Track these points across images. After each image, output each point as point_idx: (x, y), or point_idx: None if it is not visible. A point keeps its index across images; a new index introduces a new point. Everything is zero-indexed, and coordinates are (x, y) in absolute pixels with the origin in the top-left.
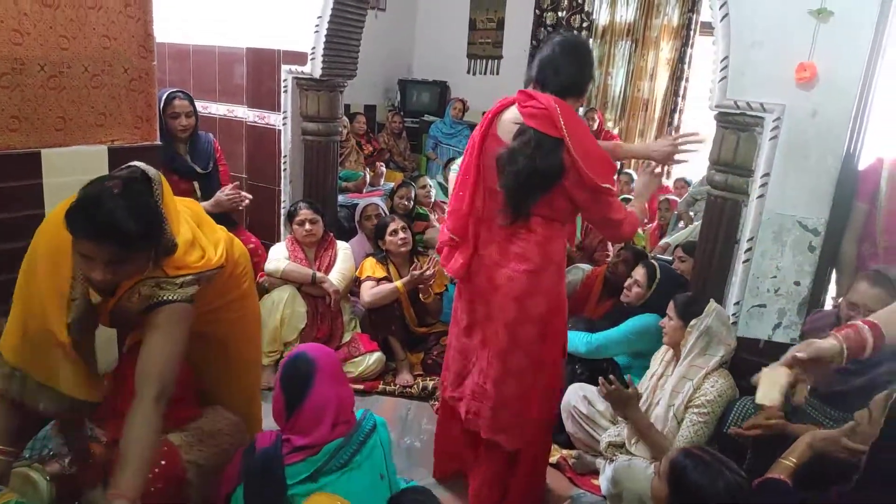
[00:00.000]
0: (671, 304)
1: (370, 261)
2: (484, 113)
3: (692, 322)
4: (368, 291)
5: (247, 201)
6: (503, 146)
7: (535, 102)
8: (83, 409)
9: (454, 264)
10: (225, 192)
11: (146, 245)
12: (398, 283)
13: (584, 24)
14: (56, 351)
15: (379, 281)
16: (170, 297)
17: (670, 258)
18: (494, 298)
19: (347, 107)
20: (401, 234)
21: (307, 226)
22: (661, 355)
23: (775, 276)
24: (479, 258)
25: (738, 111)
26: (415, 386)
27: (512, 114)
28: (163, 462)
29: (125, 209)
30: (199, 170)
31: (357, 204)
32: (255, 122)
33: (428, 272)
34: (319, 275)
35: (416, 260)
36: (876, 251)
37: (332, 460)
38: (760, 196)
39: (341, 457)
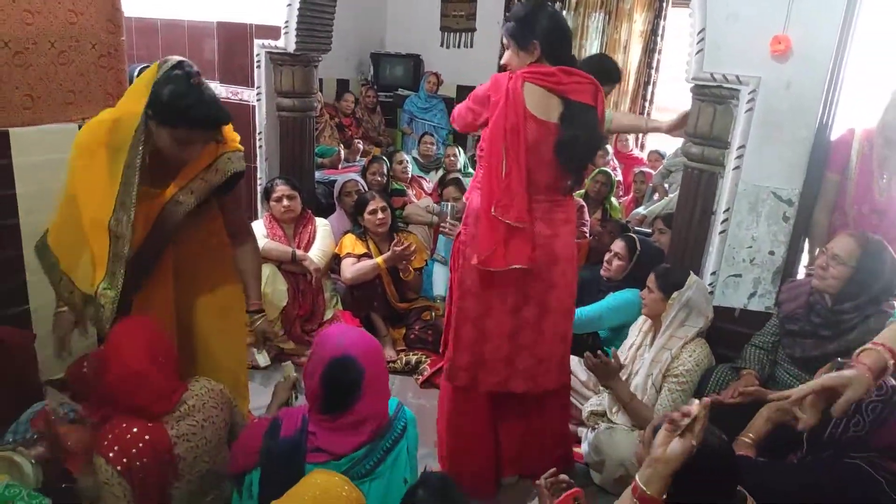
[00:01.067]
0: (651, 276)
1: (349, 237)
2: (473, 87)
3: (674, 295)
4: (350, 268)
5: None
6: (544, 123)
7: (577, 78)
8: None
9: (519, 255)
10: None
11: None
12: (378, 260)
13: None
14: (85, 249)
15: (359, 257)
16: (239, 168)
17: (648, 230)
18: (556, 268)
19: (320, 81)
20: (379, 215)
21: (285, 202)
22: (640, 326)
23: (751, 246)
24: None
25: (714, 83)
26: (398, 361)
27: (539, 90)
28: (147, 437)
29: (215, 99)
30: None
31: (333, 180)
32: (228, 97)
33: (409, 248)
34: (300, 252)
35: (395, 236)
36: (846, 221)
37: (353, 468)
38: (736, 168)
39: (364, 466)
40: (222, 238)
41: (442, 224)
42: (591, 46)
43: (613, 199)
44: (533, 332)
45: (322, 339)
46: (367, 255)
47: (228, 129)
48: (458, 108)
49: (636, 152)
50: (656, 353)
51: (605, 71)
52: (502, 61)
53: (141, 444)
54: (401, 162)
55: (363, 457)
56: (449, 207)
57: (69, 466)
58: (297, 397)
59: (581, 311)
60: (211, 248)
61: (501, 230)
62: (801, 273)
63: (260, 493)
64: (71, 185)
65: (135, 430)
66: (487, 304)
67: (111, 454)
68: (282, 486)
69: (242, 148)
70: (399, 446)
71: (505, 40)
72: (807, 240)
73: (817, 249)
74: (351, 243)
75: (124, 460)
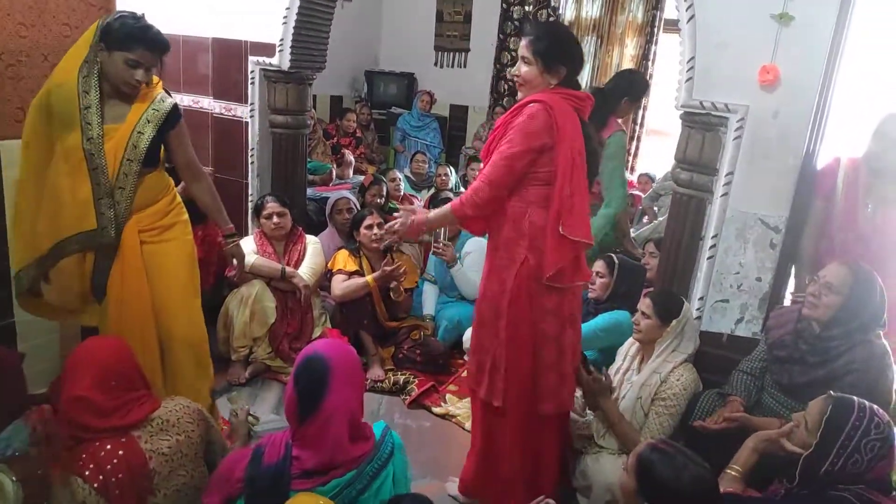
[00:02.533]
0: (647, 302)
1: (343, 253)
2: (501, 112)
3: (672, 323)
4: (339, 285)
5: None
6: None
7: (588, 102)
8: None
9: (584, 272)
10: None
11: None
12: (369, 278)
13: (551, 19)
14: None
15: (350, 274)
16: (171, 105)
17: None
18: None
19: (314, 98)
20: (375, 230)
21: (275, 219)
22: (626, 350)
23: (738, 272)
24: None
25: (703, 111)
26: (386, 380)
27: (569, 110)
28: (121, 453)
29: (159, 31)
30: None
31: (324, 197)
32: (222, 113)
33: (400, 268)
34: (289, 269)
35: (388, 255)
36: (833, 248)
37: (340, 494)
38: (724, 194)
39: (349, 494)
40: (177, 216)
41: (435, 244)
42: (583, 70)
43: None
44: (557, 350)
45: (302, 351)
46: (359, 273)
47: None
48: (500, 170)
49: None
50: (647, 376)
51: (636, 85)
52: (519, 72)
53: (116, 461)
54: (394, 180)
55: (348, 483)
56: (442, 229)
57: (52, 477)
58: (253, 429)
59: None
60: (167, 229)
61: (569, 248)
62: (788, 299)
63: None
64: (28, 165)
65: (108, 447)
66: (545, 319)
67: (87, 472)
68: None
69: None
70: (385, 472)
71: (526, 55)
72: (793, 266)
73: (807, 277)
74: (343, 259)
75: (100, 477)
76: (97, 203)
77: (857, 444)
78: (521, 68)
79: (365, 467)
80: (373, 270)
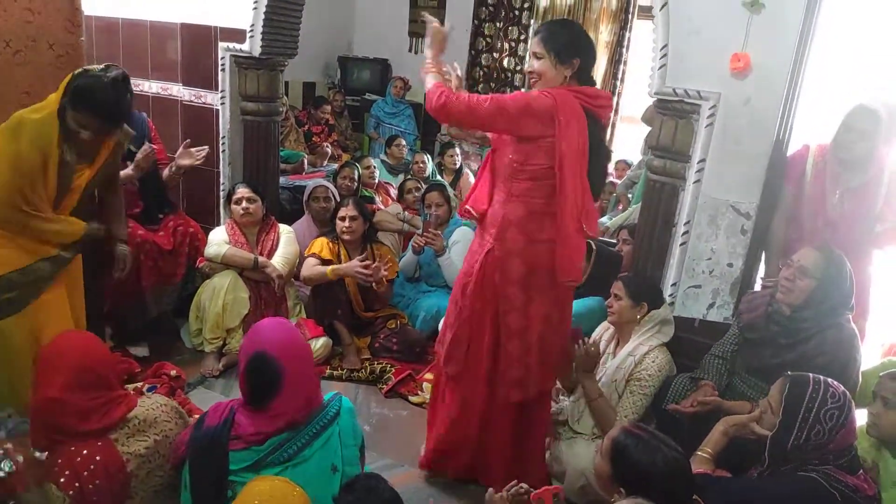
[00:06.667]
0: (619, 285)
1: (322, 240)
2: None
3: (654, 312)
4: (307, 268)
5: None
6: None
7: (603, 101)
8: None
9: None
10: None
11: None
12: (328, 270)
13: (526, 5)
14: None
15: (324, 261)
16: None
17: (612, 240)
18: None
19: (286, 84)
20: (346, 223)
21: (244, 204)
22: (600, 334)
23: (710, 258)
24: None
25: (676, 98)
26: (363, 370)
27: (577, 108)
28: (98, 458)
29: (129, 98)
30: (132, 149)
31: (297, 185)
32: (192, 100)
33: (379, 272)
34: (262, 259)
35: (369, 247)
36: (802, 233)
37: (274, 453)
38: (697, 181)
39: (286, 451)
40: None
41: (426, 233)
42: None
43: None
44: (522, 346)
45: (252, 332)
46: (330, 262)
47: None
48: (484, 105)
49: None
50: (622, 360)
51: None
52: (533, 68)
53: (93, 466)
54: (368, 167)
55: (284, 441)
56: (432, 217)
57: (14, 482)
58: None
59: None
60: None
61: (582, 244)
62: (759, 285)
63: (190, 483)
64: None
65: (85, 452)
66: (498, 316)
67: (62, 479)
68: (208, 472)
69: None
70: (329, 431)
71: (538, 50)
72: (764, 252)
73: (777, 262)
74: (320, 245)
75: (76, 484)
76: None
77: (817, 414)
78: (534, 63)
79: (303, 428)
80: (350, 259)
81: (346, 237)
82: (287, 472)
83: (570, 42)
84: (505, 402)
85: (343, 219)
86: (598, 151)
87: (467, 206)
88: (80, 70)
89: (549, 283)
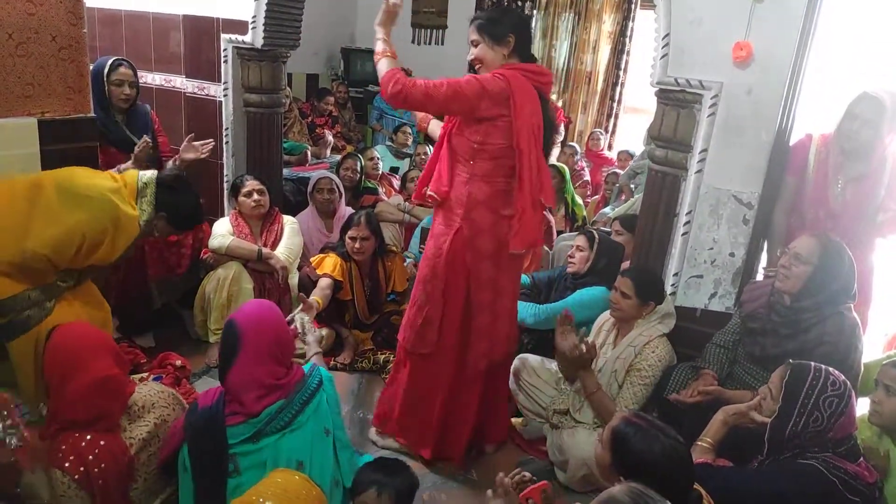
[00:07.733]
0: (627, 282)
1: (334, 259)
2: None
3: (658, 307)
4: (319, 289)
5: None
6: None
7: (548, 78)
8: None
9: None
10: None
11: None
12: (318, 300)
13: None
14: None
15: (336, 281)
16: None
17: (609, 230)
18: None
19: (289, 76)
20: (357, 244)
21: (255, 196)
22: (601, 324)
23: (712, 248)
24: None
25: (678, 88)
26: (366, 359)
27: (529, 87)
28: (102, 442)
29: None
30: (137, 141)
31: (301, 177)
32: (195, 92)
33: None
34: (266, 250)
35: (380, 260)
36: (803, 223)
37: (272, 422)
38: (699, 171)
39: (282, 419)
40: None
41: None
42: (560, 46)
43: (576, 197)
44: (491, 317)
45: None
46: (340, 284)
47: None
48: (441, 90)
49: (606, 152)
50: (622, 350)
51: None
52: (473, 56)
53: (97, 451)
54: (371, 158)
55: (279, 410)
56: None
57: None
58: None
59: (549, 307)
60: None
61: (542, 218)
62: (760, 275)
63: (191, 464)
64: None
65: (89, 437)
66: (470, 292)
67: (67, 464)
68: (208, 452)
69: None
70: (317, 398)
71: (474, 37)
72: (766, 242)
73: (778, 250)
74: (332, 265)
75: (82, 469)
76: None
77: (816, 401)
78: (473, 51)
79: (294, 397)
80: (361, 276)
81: (356, 257)
82: (286, 438)
83: (499, 21)
84: (474, 372)
85: (354, 239)
86: (549, 127)
87: (430, 192)
88: (160, 175)
89: (514, 255)
